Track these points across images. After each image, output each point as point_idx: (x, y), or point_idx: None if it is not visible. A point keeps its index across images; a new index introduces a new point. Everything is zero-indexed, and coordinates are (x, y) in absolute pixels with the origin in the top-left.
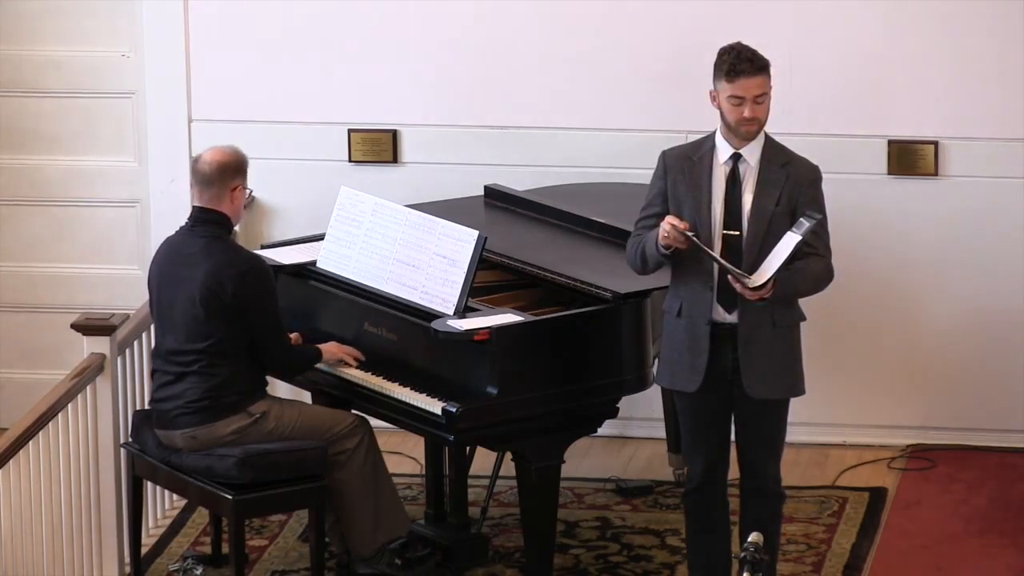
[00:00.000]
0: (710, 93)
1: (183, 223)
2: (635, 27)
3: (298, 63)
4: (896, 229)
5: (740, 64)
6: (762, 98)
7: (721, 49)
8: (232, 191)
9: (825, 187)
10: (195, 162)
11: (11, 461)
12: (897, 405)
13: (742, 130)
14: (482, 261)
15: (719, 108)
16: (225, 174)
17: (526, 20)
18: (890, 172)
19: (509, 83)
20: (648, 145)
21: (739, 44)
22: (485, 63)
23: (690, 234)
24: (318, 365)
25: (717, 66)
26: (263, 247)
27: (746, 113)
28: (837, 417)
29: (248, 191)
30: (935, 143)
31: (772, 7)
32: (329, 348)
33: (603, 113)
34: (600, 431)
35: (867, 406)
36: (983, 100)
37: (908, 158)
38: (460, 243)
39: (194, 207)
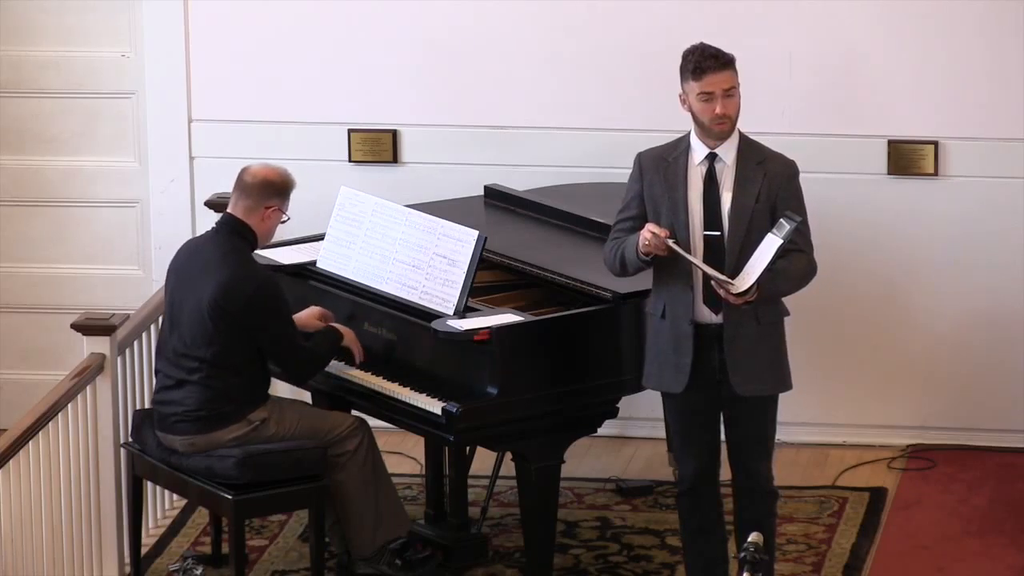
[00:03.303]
0: (679, 96)
1: (207, 227)
2: (635, 27)
3: (298, 63)
4: (896, 229)
5: (705, 61)
6: (731, 91)
7: (684, 51)
8: (266, 209)
9: (825, 187)
10: (242, 171)
11: (11, 461)
12: (897, 405)
13: (715, 129)
14: (482, 261)
15: (690, 110)
16: (264, 190)
17: (526, 20)
18: (889, 172)
19: (509, 83)
20: (648, 145)
21: (702, 44)
22: (485, 63)
23: (671, 242)
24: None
25: (683, 67)
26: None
27: (717, 109)
28: (837, 417)
29: (286, 217)
30: (935, 143)
31: (771, 7)
32: (345, 330)
33: (603, 113)
34: (600, 431)
35: (867, 406)
36: (983, 100)
37: (908, 158)
38: (460, 243)
39: (225, 213)
